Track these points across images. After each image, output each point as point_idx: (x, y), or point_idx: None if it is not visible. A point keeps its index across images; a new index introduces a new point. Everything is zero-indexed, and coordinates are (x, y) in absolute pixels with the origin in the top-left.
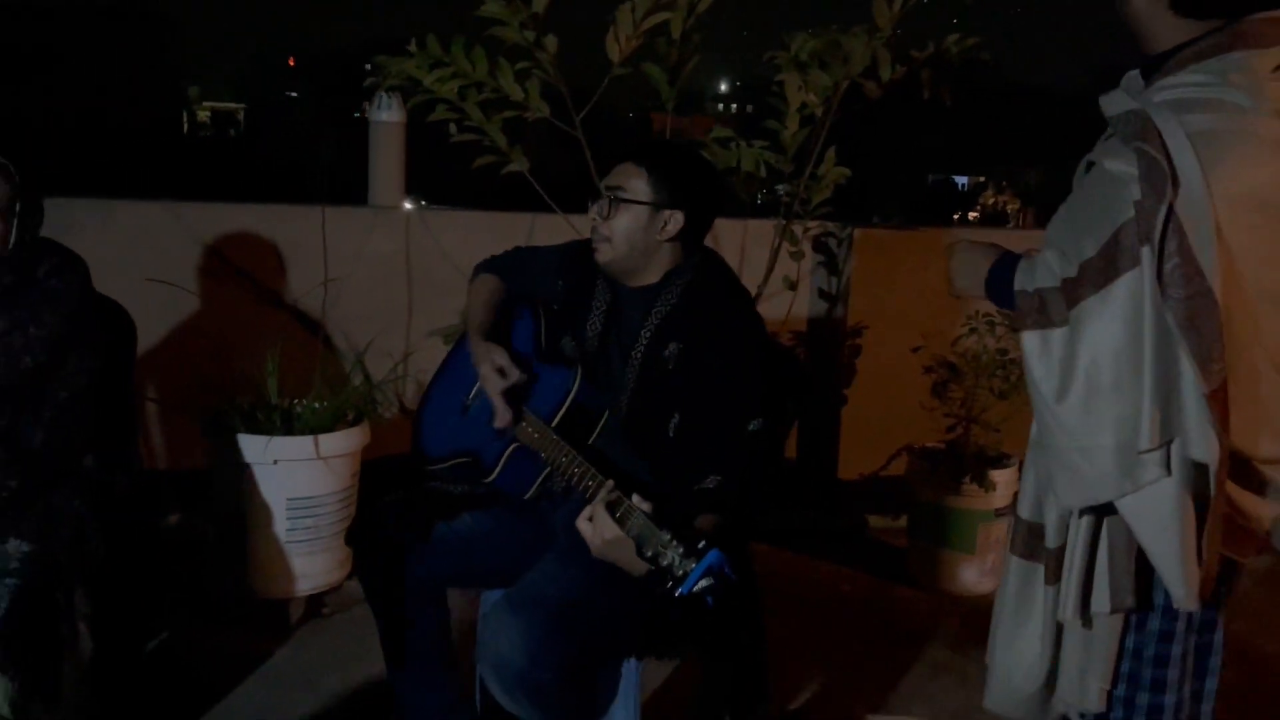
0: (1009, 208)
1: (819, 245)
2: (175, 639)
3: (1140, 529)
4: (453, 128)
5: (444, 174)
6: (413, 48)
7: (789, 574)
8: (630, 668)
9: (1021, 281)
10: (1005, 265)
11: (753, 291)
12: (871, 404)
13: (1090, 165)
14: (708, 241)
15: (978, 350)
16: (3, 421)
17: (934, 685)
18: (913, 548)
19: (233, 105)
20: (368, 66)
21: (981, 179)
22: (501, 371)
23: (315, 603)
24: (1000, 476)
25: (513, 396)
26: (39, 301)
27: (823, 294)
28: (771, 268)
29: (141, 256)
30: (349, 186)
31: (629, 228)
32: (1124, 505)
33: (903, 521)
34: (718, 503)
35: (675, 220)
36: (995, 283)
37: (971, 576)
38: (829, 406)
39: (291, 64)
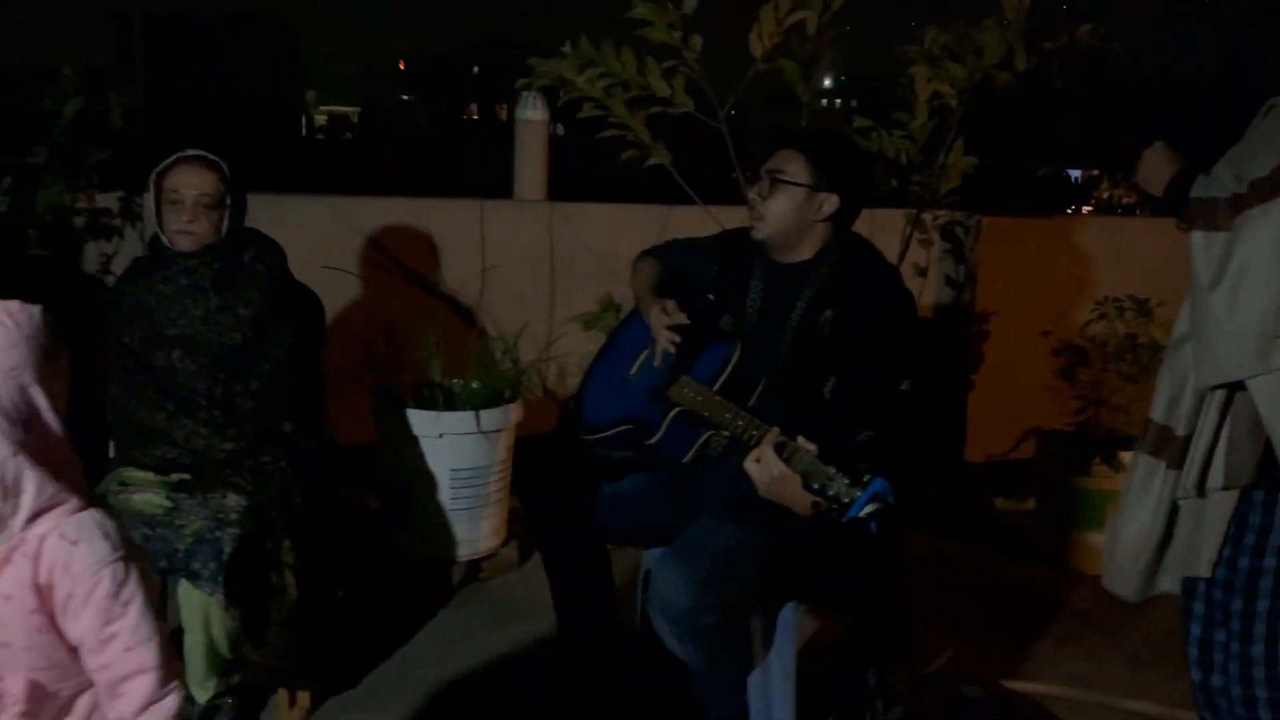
0: (1124, 200)
1: (946, 233)
2: (351, 597)
3: (1267, 409)
4: (597, 120)
5: (578, 169)
6: (566, 49)
7: (918, 551)
8: (785, 619)
9: (1198, 190)
10: (1186, 174)
11: None
12: (998, 388)
13: (1270, 108)
14: None
15: (1106, 335)
16: (218, 390)
17: (1061, 654)
18: (1041, 527)
19: (348, 108)
20: (474, 69)
21: (1095, 172)
22: (669, 314)
23: (474, 567)
24: (1129, 457)
25: (680, 353)
26: (246, 283)
27: (950, 280)
28: (903, 254)
29: (310, 247)
30: (462, 182)
31: (786, 208)
32: (1255, 385)
33: (1029, 504)
34: (873, 454)
35: (830, 203)
36: (1174, 187)
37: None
38: (955, 390)
39: (402, 67)
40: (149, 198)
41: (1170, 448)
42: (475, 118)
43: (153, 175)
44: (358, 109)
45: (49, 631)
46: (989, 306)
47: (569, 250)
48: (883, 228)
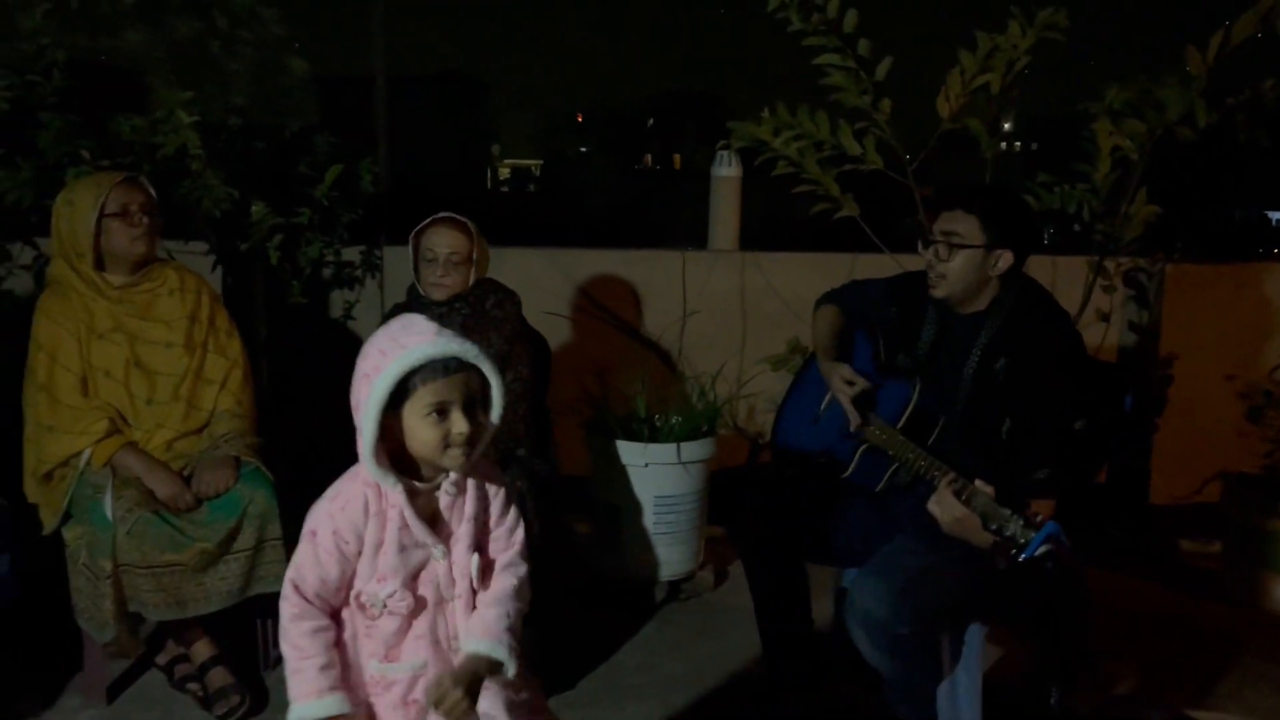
0: None
1: (1129, 279)
2: (566, 610)
3: None
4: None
5: (764, 220)
6: (764, 114)
7: (1105, 588)
8: (973, 636)
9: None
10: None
11: None
12: (1183, 432)
13: None
14: None
15: None
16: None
17: (1249, 690)
18: (1229, 568)
19: (530, 161)
20: (649, 122)
21: None
22: (850, 382)
23: (674, 587)
24: None
25: (861, 403)
26: (489, 327)
27: (1133, 326)
28: (1086, 300)
29: (529, 293)
30: (636, 232)
31: (963, 267)
32: None
33: (1215, 547)
34: (1050, 491)
35: (1005, 259)
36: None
37: None
38: (1139, 434)
39: (580, 120)
40: (389, 251)
41: None
42: (650, 167)
43: (411, 235)
44: (539, 161)
45: None
46: (1175, 351)
47: (759, 296)
48: (1065, 274)
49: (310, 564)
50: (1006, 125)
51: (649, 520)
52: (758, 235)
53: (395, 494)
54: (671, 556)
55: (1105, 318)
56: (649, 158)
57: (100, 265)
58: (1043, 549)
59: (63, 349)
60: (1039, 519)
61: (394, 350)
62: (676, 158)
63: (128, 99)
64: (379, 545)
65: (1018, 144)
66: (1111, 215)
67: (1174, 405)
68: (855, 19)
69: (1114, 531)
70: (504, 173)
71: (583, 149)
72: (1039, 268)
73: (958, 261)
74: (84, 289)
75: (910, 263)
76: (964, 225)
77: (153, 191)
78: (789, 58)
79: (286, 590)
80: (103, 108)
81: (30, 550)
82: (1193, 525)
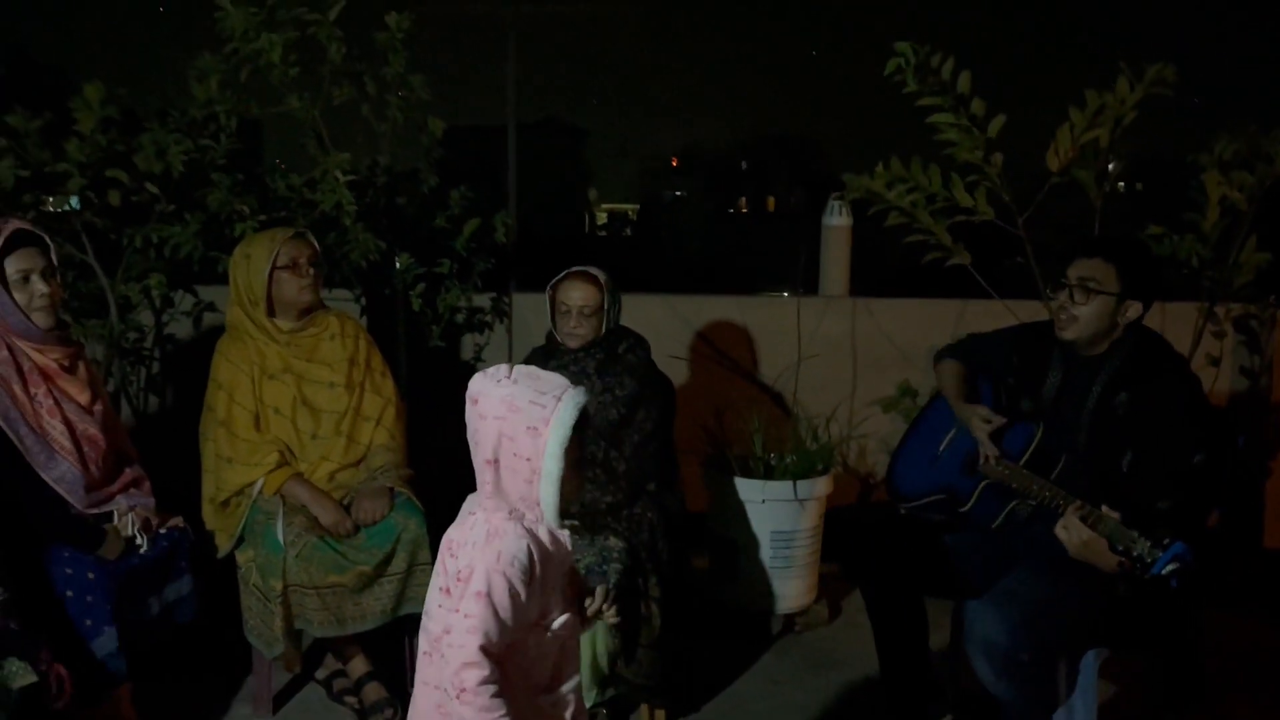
0: None
1: (1240, 325)
2: (689, 639)
3: None
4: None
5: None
6: (879, 169)
7: (1221, 630)
8: (1088, 663)
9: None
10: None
11: None
12: None
13: None
14: None
15: None
16: (600, 454)
17: None
18: None
19: (626, 206)
20: (743, 165)
21: None
22: (988, 420)
23: (789, 620)
24: None
25: (995, 440)
26: (622, 371)
27: (1244, 370)
28: (1195, 345)
29: (648, 337)
30: (735, 275)
31: (1097, 312)
32: None
33: None
34: (1172, 521)
35: (1134, 309)
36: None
37: None
38: (1252, 477)
39: (675, 164)
40: (518, 298)
41: None
42: (744, 211)
43: (548, 287)
44: (636, 205)
45: None
46: None
47: (870, 340)
48: (1175, 319)
49: (493, 622)
50: (1110, 166)
51: (765, 555)
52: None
53: (563, 537)
54: (787, 590)
55: (1215, 362)
56: (743, 200)
57: (271, 312)
58: (1170, 567)
59: (239, 388)
60: (1166, 541)
61: (546, 401)
62: (770, 200)
63: (286, 158)
64: (544, 584)
65: (1121, 184)
66: (1220, 262)
67: None
68: (969, 81)
69: (1229, 575)
70: (601, 217)
71: (678, 192)
72: (1149, 314)
73: (1092, 306)
74: (257, 334)
75: (1017, 307)
76: (1102, 272)
77: (318, 246)
78: (885, 106)
79: (474, 656)
80: (263, 166)
81: (205, 573)
82: None
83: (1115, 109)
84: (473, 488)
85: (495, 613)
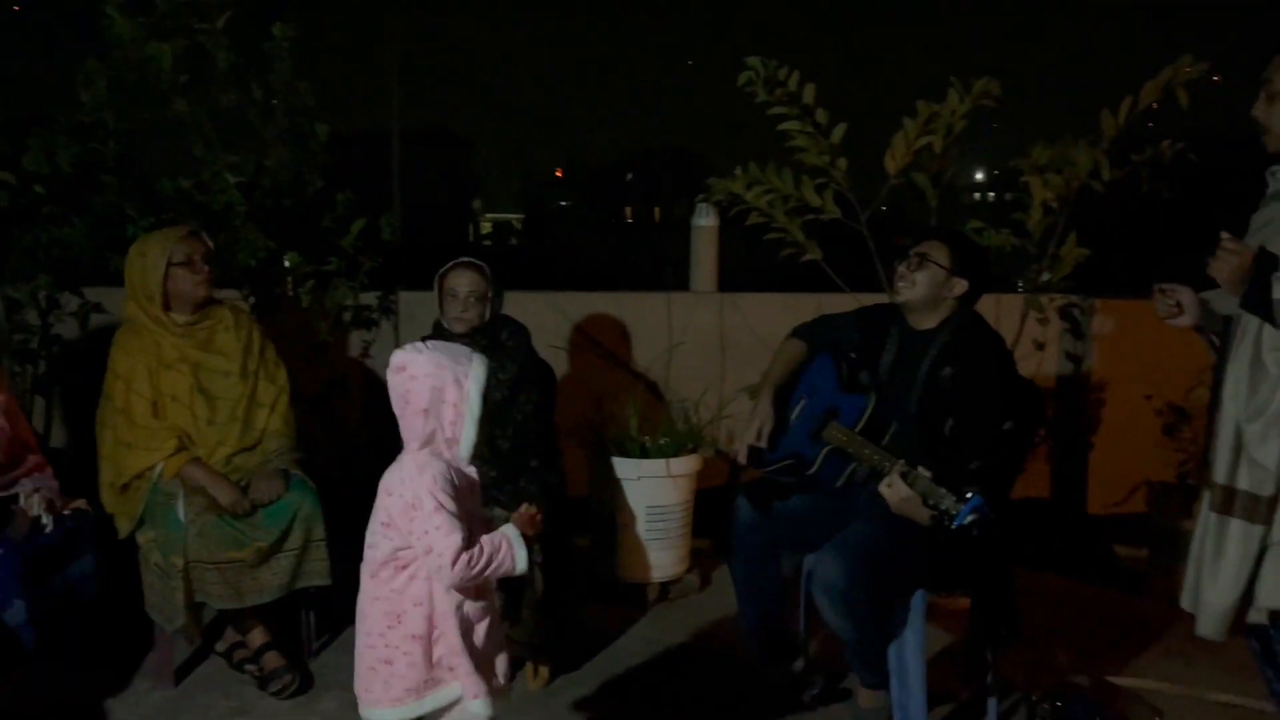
0: None
1: (1065, 314)
2: (572, 607)
3: None
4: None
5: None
6: (738, 171)
7: (1043, 588)
8: (917, 602)
9: (1277, 291)
10: (1261, 275)
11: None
12: (1113, 448)
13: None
14: None
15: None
16: (485, 434)
17: (1165, 663)
18: (1153, 568)
19: (511, 216)
20: (629, 176)
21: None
22: (759, 433)
23: (664, 589)
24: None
25: (755, 448)
26: (504, 356)
27: (1069, 355)
28: (1020, 331)
29: (530, 331)
30: (615, 283)
31: (928, 280)
32: None
33: (1144, 551)
34: (980, 478)
35: (960, 286)
36: (1252, 289)
37: None
38: (1076, 451)
39: (560, 175)
40: (404, 295)
41: (1249, 505)
42: (630, 221)
43: (436, 276)
44: (521, 215)
45: None
46: (1105, 377)
47: (737, 333)
48: (1008, 309)
49: (454, 520)
50: (979, 174)
51: (641, 528)
52: (733, 278)
53: (471, 471)
54: (661, 560)
55: (1040, 346)
56: (629, 210)
57: (167, 306)
58: (970, 518)
59: (137, 377)
60: (968, 495)
61: (459, 365)
62: (657, 211)
63: (174, 161)
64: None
65: (977, 195)
66: (1044, 257)
67: (1107, 424)
68: (814, 92)
69: (1056, 540)
70: (486, 227)
71: (563, 203)
72: (983, 304)
73: (924, 275)
74: (154, 327)
75: (867, 299)
76: (936, 251)
77: (211, 244)
78: (759, 118)
79: (459, 544)
80: (152, 170)
81: (105, 554)
82: (1126, 532)
83: (947, 118)
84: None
85: (451, 515)
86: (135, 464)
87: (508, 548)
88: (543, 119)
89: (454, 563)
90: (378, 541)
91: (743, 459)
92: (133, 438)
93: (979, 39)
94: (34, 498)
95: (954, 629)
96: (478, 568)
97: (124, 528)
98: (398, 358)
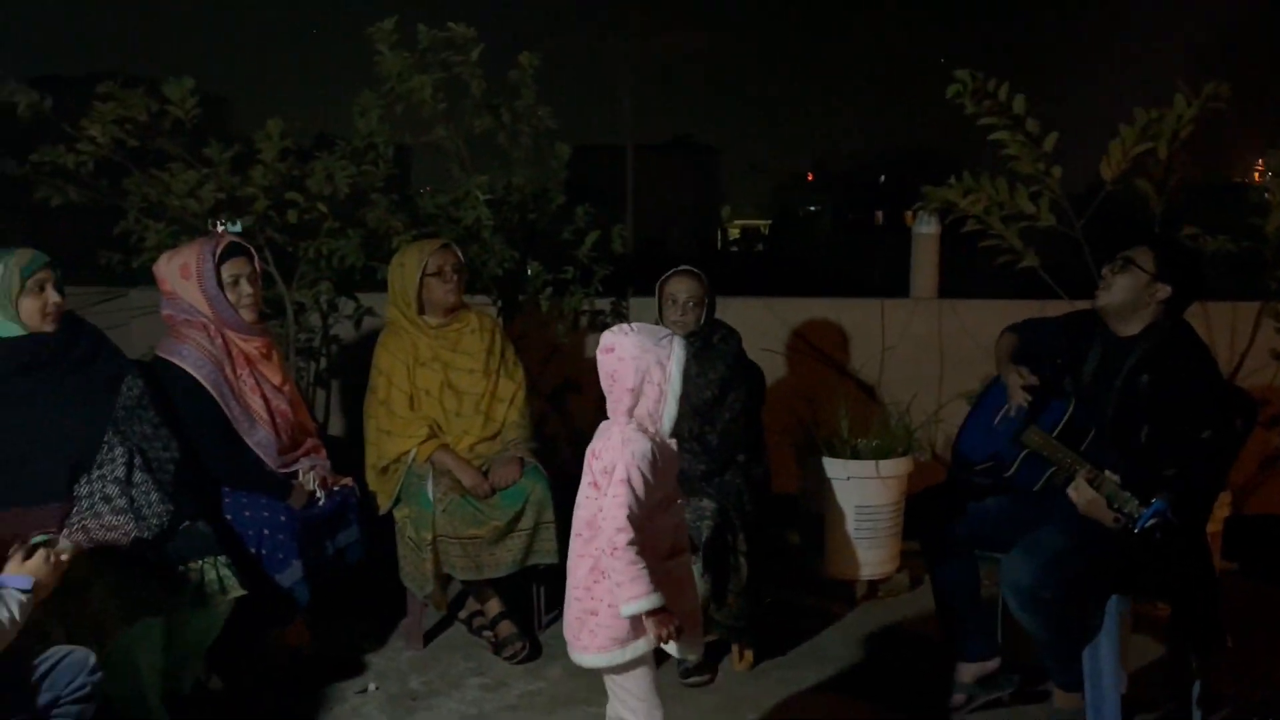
0: None
1: None
2: (781, 600)
3: None
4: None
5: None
6: (952, 181)
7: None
8: (1112, 610)
9: None
10: None
11: (1237, 361)
12: None
13: None
14: (1200, 318)
15: None
16: (695, 429)
17: None
18: None
19: (759, 222)
20: (881, 179)
21: None
22: (1023, 376)
23: (873, 586)
24: None
25: (1030, 404)
26: (715, 358)
27: None
28: (1252, 340)
29: (750, 334)
30: (868, 280)
31: (1129, 285)
32: None
33: None
34: (1175, 486)
35: (1163, 291)
36: None
37: None
38: None
39: (810, 179)
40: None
41: None
42: (880, 224)
43: (658, 283)
44: (768, 221)
45: None
46: None
47: (956, 338)
48: (1245, 318)
49: (632, 498)
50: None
51: (850, 527)
52: (956, 284)
53: (672, 444)
54: (870, 559)
55: (1277, 356)
56: (879, 214)
57: (422, 310)
58: (1152, 521)
59: (396, 373)
60: (1153, 500)
61: (662, 347)
62: (908, 215)
63: (432, 180)
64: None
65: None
66: None
67: None
68: (1024, 103)
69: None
70: (734, 233)
71: (811, 208)
72: (1220, 313)
73: (1126, 279)
74: (411, 328)
75: (1085, 306)
76: (1140, 255)
77: (461, 255)
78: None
79: (622, 523)
80: (413, 188)
81: (368, 527)
82: None
83: (1172, 123)
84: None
85: (633, 492)
86: (393, 449)
87: (638, 589)
88: (793, 123)
89: (612, 536)
90: (583, 502)
91: (1023, 400)
92: (392, 426)
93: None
94: (310, 474)
95: (1155, 637)
96: (623, 559)
97: (384, 505)
98: (606, 339)
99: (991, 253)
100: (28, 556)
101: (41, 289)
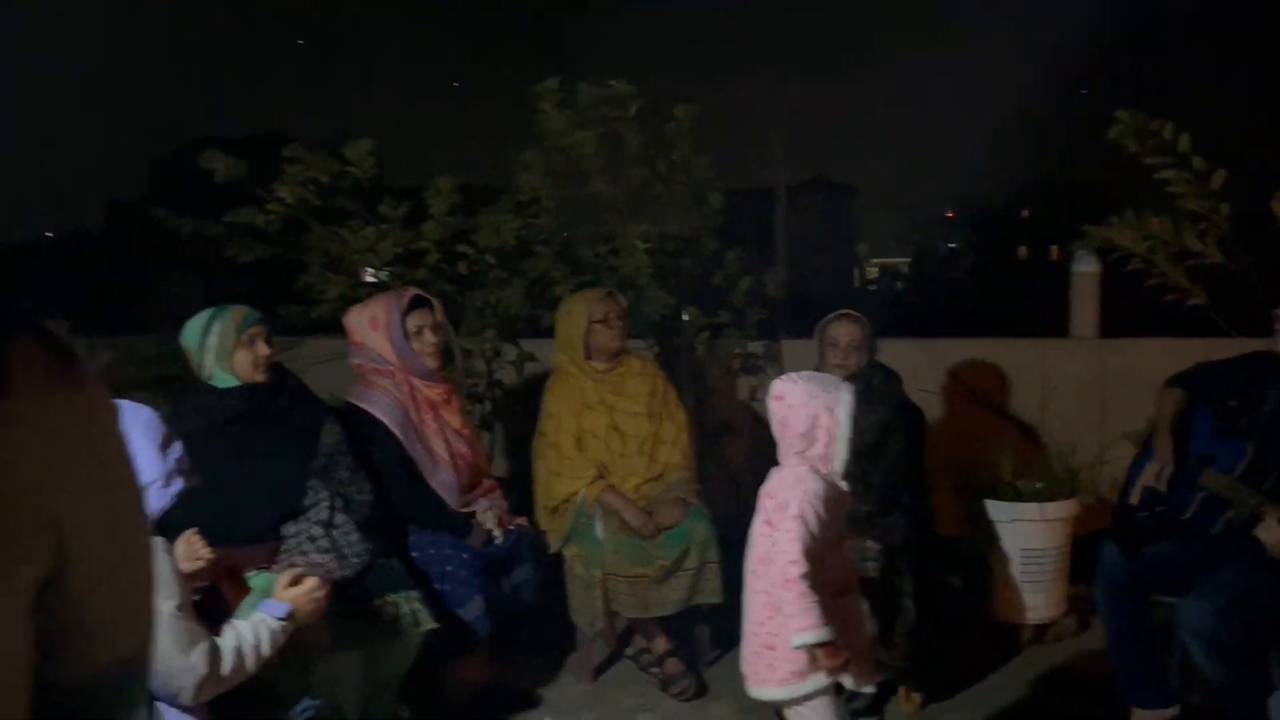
0: None
1: None
2: (943, 642)
3: None
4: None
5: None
6: (1114, 220)
7: None
8: None
9: None
10: None
11: None
12: None
13: None
14: None
15: None
16: (858, 471)
17: None
18: None
19: (898, 260)
20: (1024, 213)
21: None
22: (1159, 475)
23: (1039, 630)
24: None
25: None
26: (876, 400)
27: None
28: None
29: (905, 374)
30: (1016, 318)
31: None
32: None
33: None
34: None
35: None
36: None
37: None
38: None
39: (950, 216)
40: (786, 344)
41: None
42: (1024, 259)
43: (818, 327)
44: (907, 259)
45: None
46: None
47: (1119, 378)
48: None
49: (805, 533)
50: None
51: (1016, 570)
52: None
53: (843, 485)
54: (1036, 602)
55: None
56: (1023, 249)
57: (588, 356)
58: None
59: (564, 416)
60: None
61: (829, 393)
62: (1054, 249)
63: (592, 230)
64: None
65: None
66: None
67: None
68: (1189, 142)
69: None
70: (872, 271)
71: (951, 245)
72: None
73: None
74: (577, 373)
75: (1254, 345)
76: None
77: (624, 302)
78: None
79: (796, 556)
80: (575, 238)
81: (540, 566)
82: None
83: None
84: (749, 499)
85: (806, 527)
86: (563, 489)
87: (809, 620)
88: (930, 160)
89: (784, 569)
90: (757, 540)
91: (1135, 499)
92: (560, 467)
93: None
94: (489, 514)
95: None
96: (796, 590)
97: (555, 543)
98: (776, 387)
99: (1156, 290)
100: (294, 583)
101: (253, 343)
